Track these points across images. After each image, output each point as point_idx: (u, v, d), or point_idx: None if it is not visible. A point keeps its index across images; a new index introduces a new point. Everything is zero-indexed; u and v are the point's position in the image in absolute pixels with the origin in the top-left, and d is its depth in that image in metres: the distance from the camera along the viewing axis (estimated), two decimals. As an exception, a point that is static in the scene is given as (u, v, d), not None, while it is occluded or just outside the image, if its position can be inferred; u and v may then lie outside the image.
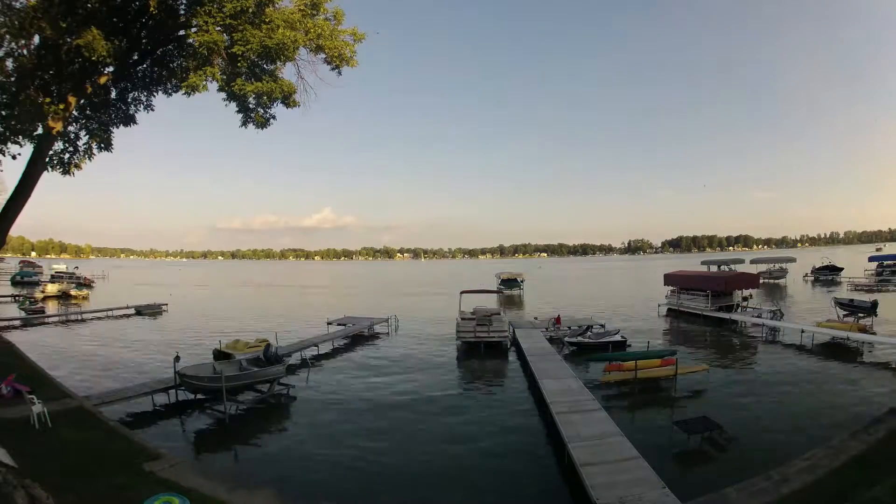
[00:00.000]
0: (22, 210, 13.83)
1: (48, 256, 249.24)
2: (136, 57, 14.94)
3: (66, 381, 15.41)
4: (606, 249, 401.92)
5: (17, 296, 48.85)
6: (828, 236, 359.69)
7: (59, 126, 13.82)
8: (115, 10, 13.43)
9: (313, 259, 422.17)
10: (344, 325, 27.99)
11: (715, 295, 30.48)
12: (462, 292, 28.16)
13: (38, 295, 47.51)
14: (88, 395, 13.79)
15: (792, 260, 63.07)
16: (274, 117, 16.56)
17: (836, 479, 7.87)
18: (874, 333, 21.35)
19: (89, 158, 16.35)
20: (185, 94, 15.74)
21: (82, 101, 15.08)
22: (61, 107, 13.47)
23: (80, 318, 34.96)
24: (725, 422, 11.68)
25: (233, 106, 15.90)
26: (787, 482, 7.91)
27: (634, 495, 7.88)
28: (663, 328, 28.64)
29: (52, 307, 41.18)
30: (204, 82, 13.78)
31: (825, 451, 9.02)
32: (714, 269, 43.88)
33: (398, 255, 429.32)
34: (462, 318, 24.24)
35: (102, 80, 14.45)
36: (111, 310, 37.09)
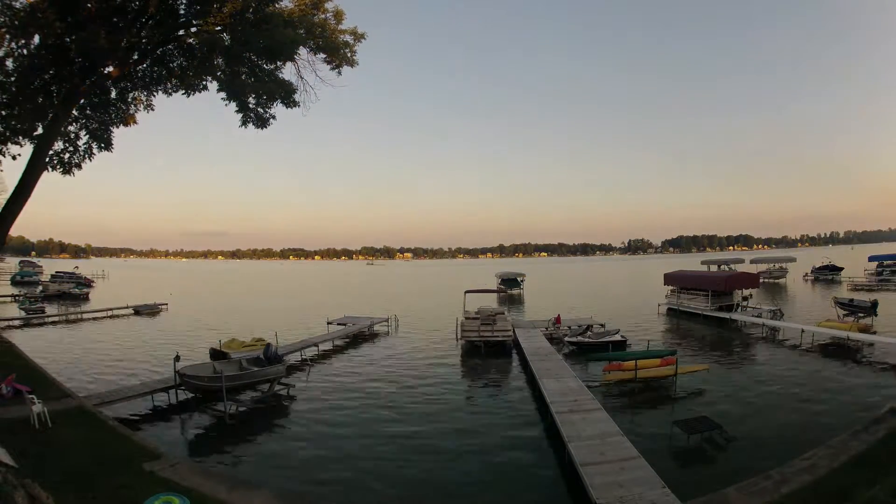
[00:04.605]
0: (22, 210, 13.84)
1: (47, 256, 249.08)
2: (136, 57, 14.95)
3: (66, 381, 15.42)
4: (606, 249, 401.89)
5: (17, 296, 48.82)
6: (828, 236, 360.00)
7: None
8: (115, 10, 13.43)
9: (313, 258, 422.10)
10: (344, 324, 28.02)
11: (715, 295, 30.48)
12: (466, 292, 28.26)
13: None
14: (88, 395, 13.80)
15: (792, 260, 63.09)
16: (274, 117, 16.58)
17: (836, 479, 7.86)
18: (874, 333, 21.34)
19: (89, 158, 16.35)
20: (184, 94, 15.78)
21: (82, 101, 15.09)
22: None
23: (79, 317, 34.97)
24: (725, 422, 11.68)
25: (232, 105, 15.90)
26: (787, 482, 7.90)
27: (634, 495, 7.87)
28: (663, 328, 28.62)
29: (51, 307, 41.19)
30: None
31: (825, 451, 9.01)
32: (714, 268, 43.81)
33: (398, 254, 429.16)
34: (466, 318, 24.18)
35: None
36: (110, 309, 37.11)
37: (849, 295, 36.21)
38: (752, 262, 58.09)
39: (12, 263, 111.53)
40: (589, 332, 23.31)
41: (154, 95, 16.72)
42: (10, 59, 13.64)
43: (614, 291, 58.88)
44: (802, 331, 22.50)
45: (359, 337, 26.26)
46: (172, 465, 8.86)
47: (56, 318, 34.24)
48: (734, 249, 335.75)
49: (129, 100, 16.66)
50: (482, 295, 33.45)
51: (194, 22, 14.66)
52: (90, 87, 14.49)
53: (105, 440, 10.09)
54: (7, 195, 14.26)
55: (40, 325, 31.91)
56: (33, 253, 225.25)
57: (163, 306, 40.40)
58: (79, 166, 16.21)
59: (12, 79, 13.80)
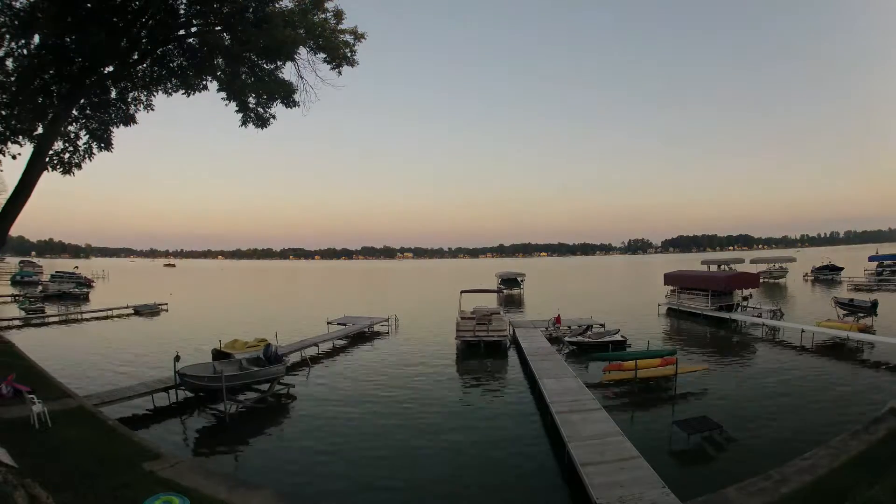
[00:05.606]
0: (22, 210, 13.83)
1: (47, 256, 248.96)
2: (136, 57, 14.94)
3: (66, 381, 15.39)
4: (606, 249, 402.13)
5: (17, 296, 48.81)
6: (828, 236, 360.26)
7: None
8: (115, 10, 13.43)
9: (313, 258, 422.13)
10: (344, 324, 28.01)
11: (715, 294, 30.48)
12: (462, 291, 28.16)
13: None
14: (88, 395, 13.79)
15: (792, 260, 63.11)
16: (274, 117, 16.57)
17: (836, 479, 7.86)
18: (874, 333, 21.34)
19: (89, 158, 16.34)
20: (184, 93, 15.78)
21: (82, 101, 15.08)
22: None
23: (79, 317, 34.97)
24: (725, 422, 11.68)
25: (232, 105, 15.89)
26: (787, 482, 7.89)
27: (634, 495, 7.87)
28: (663, 328, 28.62)
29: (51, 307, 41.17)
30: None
31: (825, 451, 9.01)
32: (714, 268, 43.78)
33: (399, 254, 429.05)
34: (462, 318, 24.21)
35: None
36: (110, 309, 37.11)
37: (849, 295, 36.22)
38: (752, 262, 58.01)
39: (12, 263, 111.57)
40: (589, 332, 23.31)
41: (154, 95, 16.69)
42: (10, 59, 13.64)
43: (614, 291, 58.88)
44: (802, 331, 22.50)
45: (359, 337, 26.25)
46: (172, 465, 8.86)
47: (56, 318, 34.24)
48: (734, 249, 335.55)
49: (129, 100, 16.63)
50: (480, 295, 33.34)
51: (194, 22, 14.65)
52: (90, 87, 14.48)
53: (105, 440, 10.08)
54: (7, 195, 14.25)
55: (40, 325, 31.91)
56: (33, 253, 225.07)
57: (163, 306, 40.38)
58: (79, 166, 16.19)
59: (12, 79, 13.79)
